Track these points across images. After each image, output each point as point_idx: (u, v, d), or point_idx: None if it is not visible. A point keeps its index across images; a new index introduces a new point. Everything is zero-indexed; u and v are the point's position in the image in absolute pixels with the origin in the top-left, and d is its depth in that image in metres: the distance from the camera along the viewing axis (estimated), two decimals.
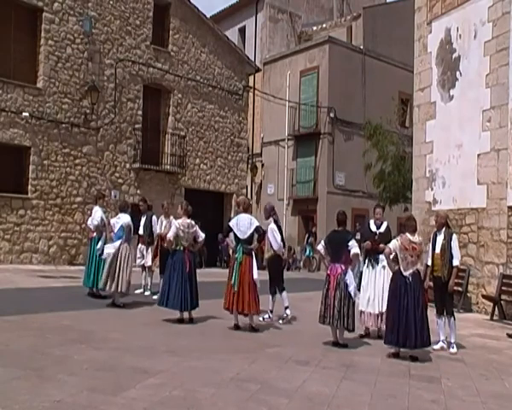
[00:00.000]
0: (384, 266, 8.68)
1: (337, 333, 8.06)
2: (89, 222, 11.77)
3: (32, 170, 17.82)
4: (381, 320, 8.68)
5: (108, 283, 10.18)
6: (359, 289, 8.87)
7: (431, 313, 8.33)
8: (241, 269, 8.69)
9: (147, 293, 12.16)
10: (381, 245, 8.64)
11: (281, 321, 9.80)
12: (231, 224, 9.00)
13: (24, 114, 17.51)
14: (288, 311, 9.89)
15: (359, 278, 9.23)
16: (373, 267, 8.97)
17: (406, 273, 7.52)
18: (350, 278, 7.97)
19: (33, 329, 7.80)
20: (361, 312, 8.94)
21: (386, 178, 21.18)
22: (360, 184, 25.41)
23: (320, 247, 8.36)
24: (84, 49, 19.12)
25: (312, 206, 25.63)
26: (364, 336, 8.90)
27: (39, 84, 18.11)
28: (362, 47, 27.28)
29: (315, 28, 30.45)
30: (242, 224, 8.84)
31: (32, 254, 17.78)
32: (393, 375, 6.64)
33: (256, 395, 5.40)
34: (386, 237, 8.76)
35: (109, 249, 10.25)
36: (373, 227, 9.18)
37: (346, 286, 7.89)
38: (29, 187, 17.78)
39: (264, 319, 9.89)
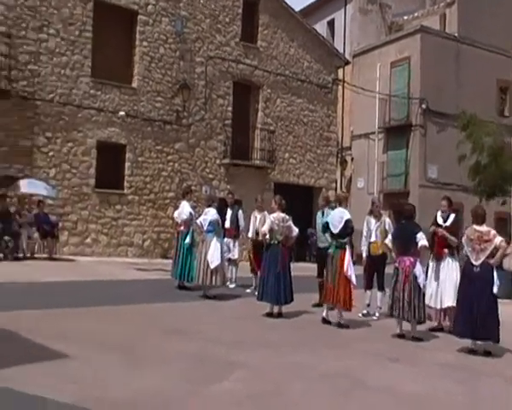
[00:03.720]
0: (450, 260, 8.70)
1: (401, 327, 8.11)
2: (175, 215, 12.05)
3: (127, 167, 18.57)
4: (444, 316, 8.69)
5: (202, 276, 10.44)
6: None
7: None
8: (335, 263, 8.65)
9: (232, 286, 12.32)
10: (448, 236, 8.56)
11: (375, 317, 9.71)
12: (328, 219, 9.03)
13: (120, 113, 18.25)
14: (377, 314, 9.75)
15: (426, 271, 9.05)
16: (438, 261, 8.79)
17: (476, 263, 7.34)
18: (419, 270, 8.03)
19: (128, 319, 8.11)
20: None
21: (482, 170, 20.24)
22: (454, 176, 24.44)
23: (387, 240, 8.63)
24: (175, 48, 19.65)
25: (403, 200, 24.97)
26: (435, 330, 8.77)
27: (134, 84, 18.82)
28: (456, 34, 26.23)
29: (406, 18, 29.64)
30: (335, 218, 8.82)
31: (128, 247, 18.53)
32: (489, 375, 6.36)
33: (347, 391, 5.35)
34: (453, 230, 8.66)
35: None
36: (439, 220, 8.93)
37: (416, 278, 7.95)
38: (125, 183, 18.55)
39: (363, 314, 9.79)
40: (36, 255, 14.97)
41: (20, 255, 14.44)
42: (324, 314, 8.82)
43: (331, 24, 30.31)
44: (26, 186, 15.14)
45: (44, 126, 16.91)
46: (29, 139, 16.66)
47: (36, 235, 14.91)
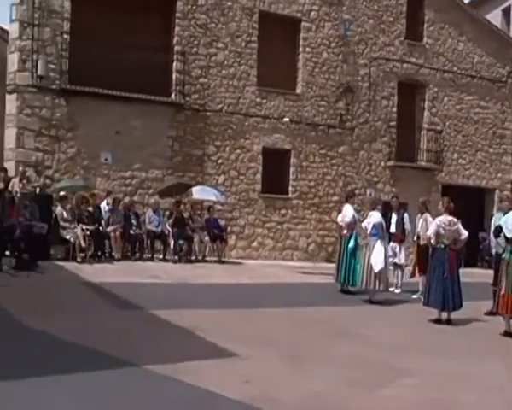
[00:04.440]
0: None
1: None
2: (339, 219, 12.08)
3: (292, 172, 18.92)
4: None
5: (366, 280, 10.35)
6: None
7: None
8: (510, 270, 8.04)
9: (397, 291, 12.04)
10: None
11: None
12: (501, 222, 8.45)
13: (285, 119, 18.67)
14: None
15: None
16: None
17: None
18: None
19: (294, 321, 8.25)
20: None
21: None
22: None
23: None
24: (338, 51, 19.65)
25: None
26: None
27: (298, 90, 19.13)
28: None
29: None
30: (510, 221, 8.20)
31: (293, 251, 18.86)
32: None
33: None
34: None
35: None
36: None
37: None
38: (289, 188, 18.92)
39: None
40: (207, 258, 15.79)
41: (193, 258, 15.33)
42: (506, 327, 8.20)
43: (506, 12, 28.19)
44: (197, 193, 16.04)
45: (214, 136, 17.84)
46: (200, 149, 17.68)
47: (207, 239, 15.72)
